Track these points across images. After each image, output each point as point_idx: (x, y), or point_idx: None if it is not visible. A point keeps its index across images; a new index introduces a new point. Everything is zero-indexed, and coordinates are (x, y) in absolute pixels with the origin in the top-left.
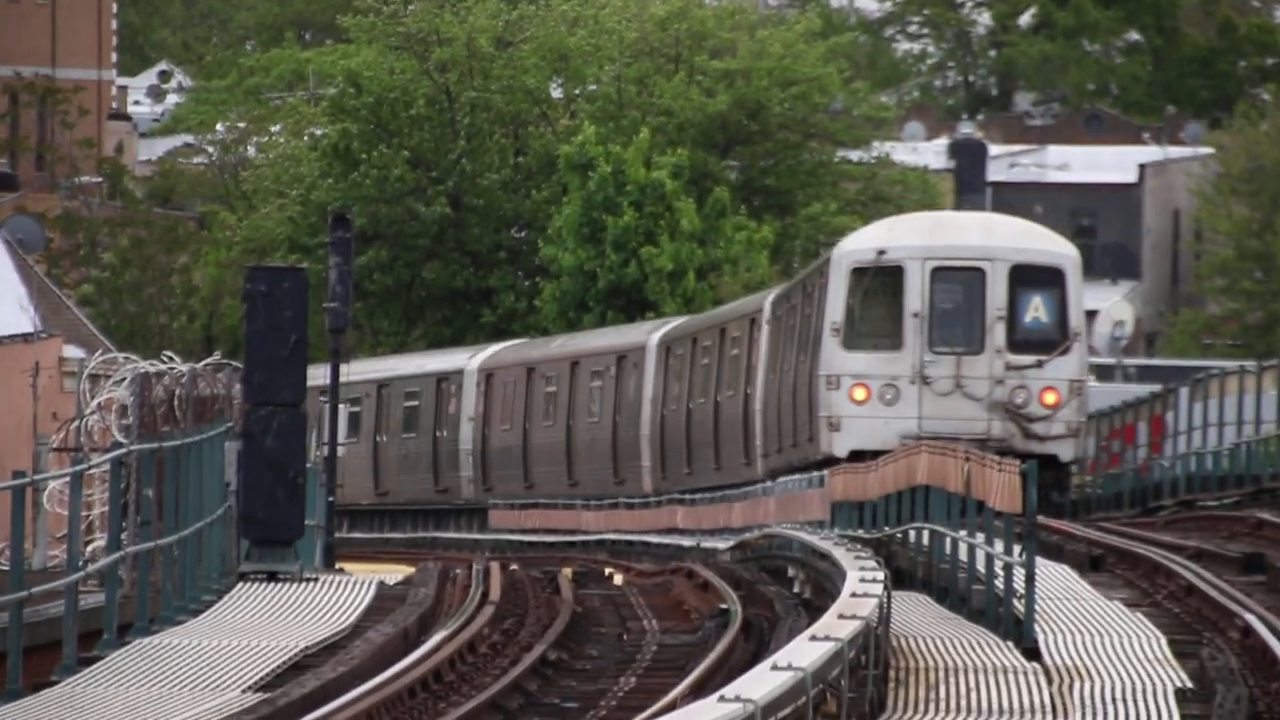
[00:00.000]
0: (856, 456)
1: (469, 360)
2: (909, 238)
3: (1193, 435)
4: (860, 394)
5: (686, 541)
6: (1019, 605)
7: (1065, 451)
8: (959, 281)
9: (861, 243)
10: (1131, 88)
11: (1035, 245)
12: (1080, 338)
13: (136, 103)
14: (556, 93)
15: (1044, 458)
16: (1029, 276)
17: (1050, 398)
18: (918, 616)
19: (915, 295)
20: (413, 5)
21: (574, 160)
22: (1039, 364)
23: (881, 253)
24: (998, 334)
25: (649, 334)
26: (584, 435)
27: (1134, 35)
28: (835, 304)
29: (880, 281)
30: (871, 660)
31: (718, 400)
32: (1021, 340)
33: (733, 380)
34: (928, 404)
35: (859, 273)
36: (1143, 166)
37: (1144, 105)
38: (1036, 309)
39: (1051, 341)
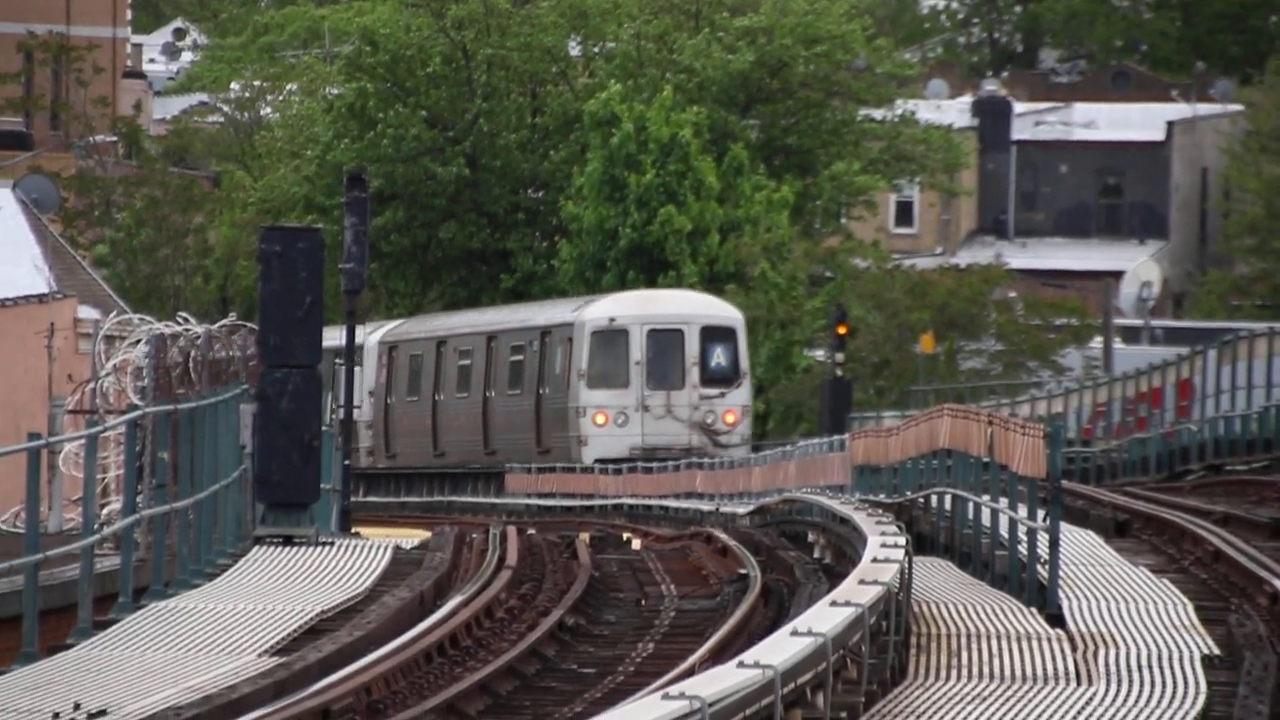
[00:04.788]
0: (600, 462)
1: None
2: (631, 308)
3: (1220, 398)
4: (601, 419)
5: (705, 506)
6: (1043, 571)
7: (740, 453)
8: (666, 339)
9: (598, 313)
10: (1160, 44)
11: (717, 312)
12: (746, 376)
13: (151, 61)
14: (575, 51)
15: None
16: (713, 334)
17: (730, 417)
18: (939, 582)
19: (637, 349)
20: None
21: (597, 117)
22: (722, 394)
23: (612, 320)
24: (693, 374)
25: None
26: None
27: None
28: (580, 356)
29: (611, 340)
30: (892, 626)
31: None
32: (709, 378)
33: None
34: (648, 425)
35: (597, 334)
36: (1171, 124)
37: (1172, 62)
38: (718, 356)
39: (729, 378)
